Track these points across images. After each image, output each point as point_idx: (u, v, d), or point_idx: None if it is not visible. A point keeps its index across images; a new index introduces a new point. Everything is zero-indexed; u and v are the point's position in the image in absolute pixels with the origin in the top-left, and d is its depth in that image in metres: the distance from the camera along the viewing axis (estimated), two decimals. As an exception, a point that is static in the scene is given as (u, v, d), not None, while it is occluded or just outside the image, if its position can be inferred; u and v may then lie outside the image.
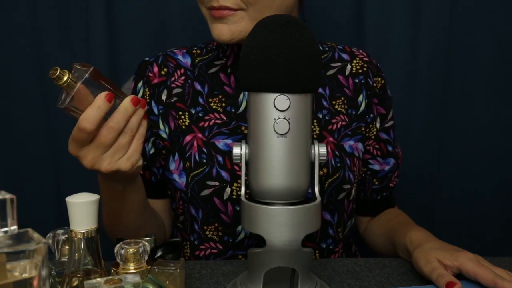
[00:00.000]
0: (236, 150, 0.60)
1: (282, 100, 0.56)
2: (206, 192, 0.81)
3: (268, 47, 0.55)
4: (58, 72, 0.59)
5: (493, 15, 1.22)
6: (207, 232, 0.84)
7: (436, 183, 1.28)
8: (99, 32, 1.15)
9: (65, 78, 0.59)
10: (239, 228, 0.83)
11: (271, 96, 0.56)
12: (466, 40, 1.23)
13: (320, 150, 0.60)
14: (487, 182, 1.29)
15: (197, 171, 0.82)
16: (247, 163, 0.60)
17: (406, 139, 1.24)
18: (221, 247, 0.84)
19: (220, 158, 0.82)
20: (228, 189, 0.81)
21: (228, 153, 0.82)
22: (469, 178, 1.29)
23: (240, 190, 0.80)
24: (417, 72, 1.22)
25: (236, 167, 0.81)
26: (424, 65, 1.22)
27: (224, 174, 0.81)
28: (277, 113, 0.56)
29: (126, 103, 0.64)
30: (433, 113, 1.25)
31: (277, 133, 0.56)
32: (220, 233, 0.84)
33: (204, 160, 0.82)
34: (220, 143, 0.83)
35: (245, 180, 0.61)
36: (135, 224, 0.81)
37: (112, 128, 0.63)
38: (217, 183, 0.81)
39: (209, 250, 0.85)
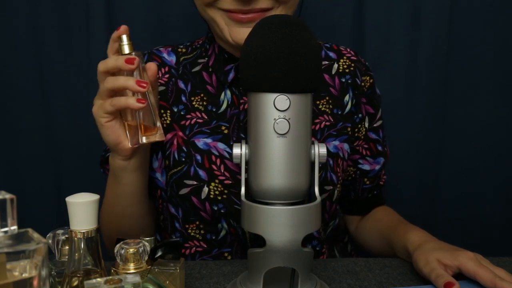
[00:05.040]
0: (236, 150, 0.60)
1: (282, 100, 0.56)
2: (184, 191, 0.81)
3: (268, 47, 0.55)
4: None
5: (493, 14, 1.22)
6: (190, 231, 0.84)
7: (436, 183, 1.28)
8: (99, 32, 1.15)
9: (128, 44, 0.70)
10: (220, 225, 0.82)
11: (271, 96, 0.56)
12: (466, 40, 1.23)
13: (320, 150, 0.60)
14: (487, 182, 1.29)
15: (175, 170, 0.82)
16: (247, 163, 0.60)
17: (406, 139, 1.24)
18: (205, 245, 0.84)
19: (198, 157, 0.81)
20: (206, 189, 0.80)
21: (207, 152, 0.81)
22: (469, 178, 1.29)
23: (217, 190, 0.80)
24: (417, 72, 1.22)
25: (214, 167, 0.81)
26: (424, 65, 1.22)
27: (201, 173, 0.81)
28: (277, 113, 0.56)
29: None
30: (433, 113, 1.25)
31: (277, 133, 0.56)
32: (202, 231, 0.83)
33: (183, 159, 0.82)
34: (200, 142, 0.82)
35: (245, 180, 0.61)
36: (130, 211, 0.82)
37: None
38: (195, 182, 0.80)
39: (194, 248, 0.85)
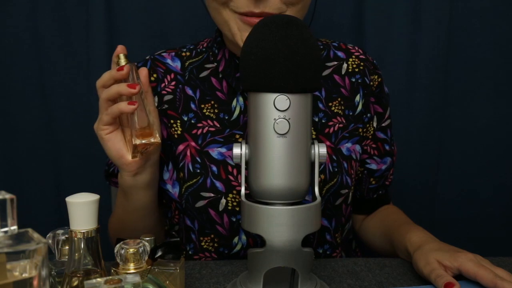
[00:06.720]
0: (236, 150, 0.60)
1: (282, 100, 0.56)
2: (200, 203, 0.80)
3: (268, 47, 0.55)
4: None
5: (493, 15, 1.22)
6: (203, 243, 0.83)
7: (436, 183, 1.28)
8: (99, 32, 1.15)
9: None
10: (236, 239, 0.81)
11: (271, 96, 0.56)
12: (466, 40, 1.23)
13: (320, 150, 0.60)
14: (487, 182, 1.29)
15: (191, 182, 0.80)
16: (247, 163, 0.60)
17: (406, 139, 1.24)
18: (216, 257, 0.83)
19: (214, 168, 0.80)
20: (223, 200, 0.79)
21: (223, 162, 0.80)
22: (469, 178, 1.29)
23: (235, 201, 0.79)
24: (417, 72, 1.22)
25: (231, 177, 0.80)
26: (424, 65, 1.22)
27: (218, 184, 0.79)
28: (277, 113, 0.56)
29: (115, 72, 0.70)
30: (433, 113, 1.25)
31: (277, 133, 0.56)
32: (216, 244, 0.82)
33: (198, 171, 0.80)
34: (214, 152, 0.81)
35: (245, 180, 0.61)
36: (142, 225, 0.82)
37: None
38: (212, 194, 0.79)
39: (204, 259, 0.84)
